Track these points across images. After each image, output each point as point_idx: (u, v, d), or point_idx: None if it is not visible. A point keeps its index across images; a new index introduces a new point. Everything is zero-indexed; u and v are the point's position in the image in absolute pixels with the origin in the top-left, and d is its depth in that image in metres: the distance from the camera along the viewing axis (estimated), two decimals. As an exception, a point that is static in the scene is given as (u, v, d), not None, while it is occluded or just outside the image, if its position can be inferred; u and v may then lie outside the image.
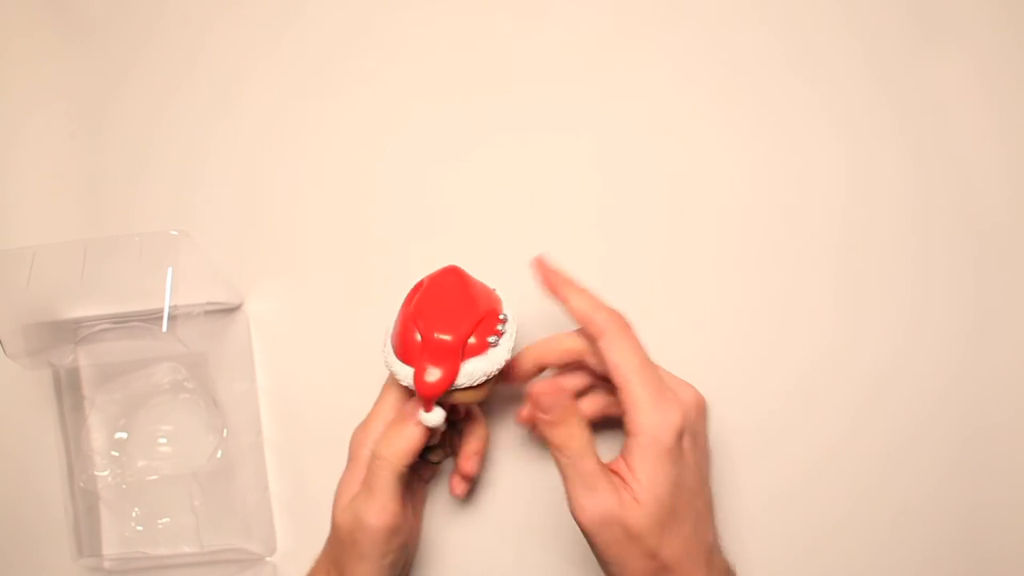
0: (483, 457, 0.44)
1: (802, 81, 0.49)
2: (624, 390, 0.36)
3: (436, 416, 0.38)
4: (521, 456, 0.48)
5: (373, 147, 0.50)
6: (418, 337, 0.37)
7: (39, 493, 0.49)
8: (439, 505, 0.48)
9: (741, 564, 0.41)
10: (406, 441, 0.38)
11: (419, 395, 0.37)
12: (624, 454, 0.37)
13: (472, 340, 0.37)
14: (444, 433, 0.44)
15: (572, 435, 0.36)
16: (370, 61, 0.51)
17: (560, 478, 0.37)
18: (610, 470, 0.37)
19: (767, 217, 0.48)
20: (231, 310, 0.49)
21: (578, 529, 0.37)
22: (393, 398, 0.42)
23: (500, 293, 0.41)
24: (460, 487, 0.45)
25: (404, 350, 0.38)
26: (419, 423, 0.38)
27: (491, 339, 0.38)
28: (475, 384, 0.37)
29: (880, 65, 0.49)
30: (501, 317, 0.38)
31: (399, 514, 0.39)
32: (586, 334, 0.39)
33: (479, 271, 0.41)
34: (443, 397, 0.38)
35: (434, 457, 0.43)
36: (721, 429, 0.47)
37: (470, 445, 0.43)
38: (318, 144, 0.51)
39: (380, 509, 0.38)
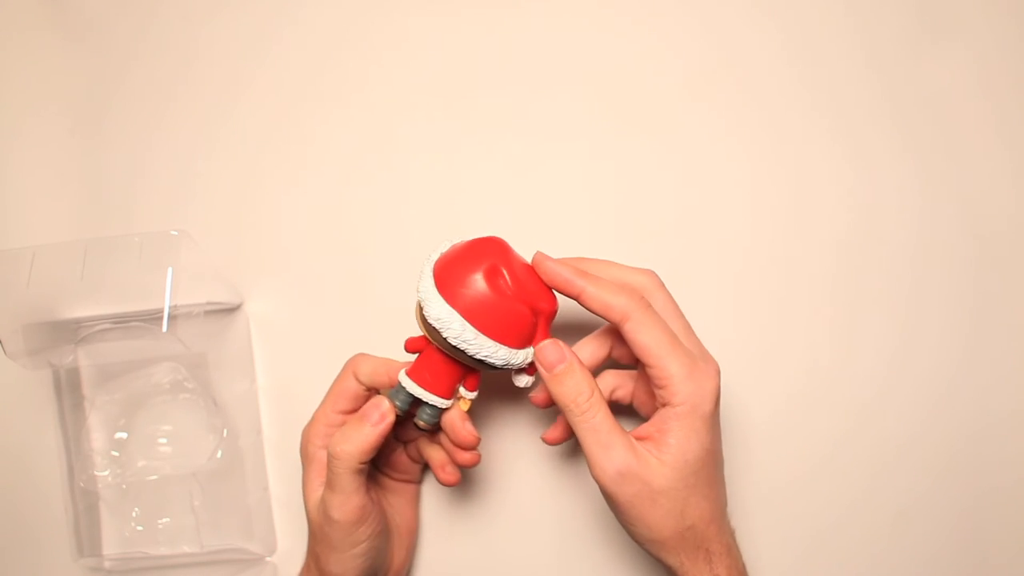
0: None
1: (802, 80, 0.49)
2: (657, 367, 0.36)
3: (523, 379, 0.39)
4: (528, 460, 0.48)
5: (374, 146, 0.50)
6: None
7: (39, 493, 0.49)
8: (436, 505, 0.48)
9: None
10: (362, 441, 0.39)
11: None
12: (656, 421, 0.37)
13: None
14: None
15: (580, 389, 0.37)
16: (370, 61, 0.51)
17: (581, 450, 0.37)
18: (635, 436, 0.37)
19: (771, 213, 0.48)
20: (231, 310, 0.49)
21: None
22: (341, 400, 0.42)
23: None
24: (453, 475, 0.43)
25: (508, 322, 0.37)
26: (384, 418, 0.39)
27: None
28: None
29: (881, 63, 0.49)
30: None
31: (362, 507, 0.40)
32: (609, 321, 0.38)
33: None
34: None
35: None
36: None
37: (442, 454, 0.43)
38: (318, 144, 0.51)
39: (342, 503, 0.39)
